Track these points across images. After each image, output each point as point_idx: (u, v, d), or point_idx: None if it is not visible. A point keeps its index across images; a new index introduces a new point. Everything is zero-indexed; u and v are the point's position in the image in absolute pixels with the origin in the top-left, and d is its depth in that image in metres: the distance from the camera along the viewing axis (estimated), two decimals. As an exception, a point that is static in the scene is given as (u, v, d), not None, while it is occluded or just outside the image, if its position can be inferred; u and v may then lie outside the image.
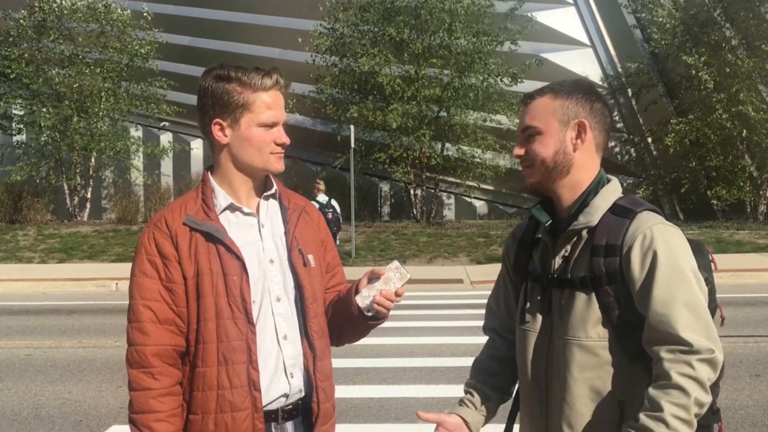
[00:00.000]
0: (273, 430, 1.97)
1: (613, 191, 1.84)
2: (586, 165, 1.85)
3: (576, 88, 1.87)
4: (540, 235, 1.90)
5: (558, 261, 1.85)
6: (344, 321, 2.08)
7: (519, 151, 1.89)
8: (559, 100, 1.84)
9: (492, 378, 2.05)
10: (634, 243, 1.73)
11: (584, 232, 1.81)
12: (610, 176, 1.89)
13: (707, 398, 1.64)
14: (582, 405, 1.78)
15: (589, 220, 1.79)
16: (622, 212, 1.79)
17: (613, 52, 22.22)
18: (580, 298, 1.79)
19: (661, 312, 1.68)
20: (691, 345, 1.64)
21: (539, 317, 1.89)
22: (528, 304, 1.91)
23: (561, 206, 1.88)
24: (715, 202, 19.89)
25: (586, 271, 1.78)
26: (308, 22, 20.97)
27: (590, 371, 1.77)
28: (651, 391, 1.66)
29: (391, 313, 2.02)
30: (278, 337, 1.97)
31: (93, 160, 21.76)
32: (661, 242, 1.72)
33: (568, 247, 1.84)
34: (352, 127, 16.50)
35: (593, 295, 1.77)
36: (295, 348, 1.99)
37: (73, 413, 5.76)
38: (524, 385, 1.94)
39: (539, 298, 1.89)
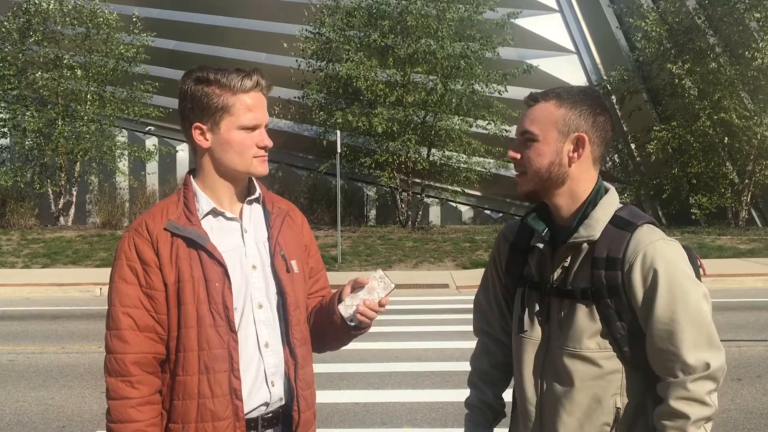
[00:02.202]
0: None
1: (611, 202, 1.83)
2: (582, 177, 1.83)
3: (582, 98, 1.83)
4: (538, 244, 1.87)
5: (558, 272, 1.84)
6: (327, 329, 2.05)
7: (514, 154, 1.85)
8: (562, 110, 1.80)
9: (496, 388, 2.09)
10: (635, 261, 1.74)
11: (584, 244, 1.80)
12: (608, 185, 1.88)
13: (708, 411, 1.70)
14: (581, 413, 1.80)
15: (591, 234, 1.78)
16: (622, 224, 1.78)
17: (597, 59, 22.40)
18: (581, 309, 1.79)
19: (663, 329, 1.72)
20: (687, 364, 1.70)
21: (537, 326, 1.88)
22: (526, 312, 1.90)
23: (558, 215, 1.87)
24: (695, 211, 20.06)
25: (587, 283, 1.78)
26: (294, 26, 20.97)
27: (590, 380, 1.79)
28: (655, 416, 1.75)
29: (378, 317, 2.01)
30: (260, 345, 1.94)
31: (78, 164, 21.62)
32: (661, 261, 1.73)
33: (568, 259, 1.83)
34: (338, 132, 16.51)
35: (594, 307, 1.78)
36: (277, 356, 1.96)
37: (56, 419, 5.71)
38: (520, 391, 1.93)
39: (537, 306, 1.88)
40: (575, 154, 1.81)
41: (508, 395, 2.08)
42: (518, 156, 1.85)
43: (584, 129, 1.80)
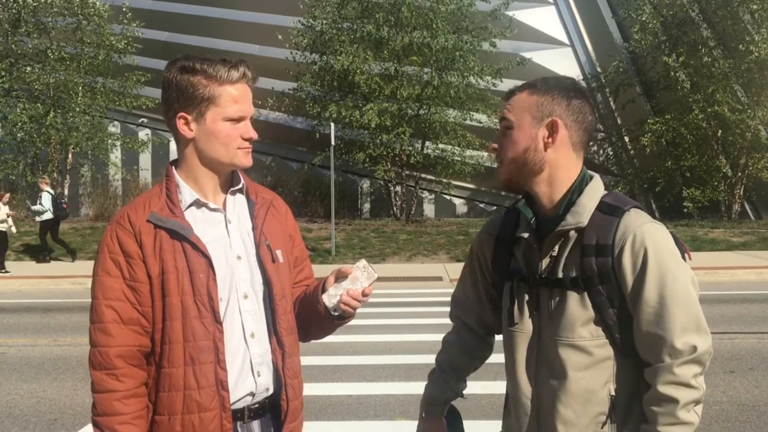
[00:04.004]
0: (239, 429, 1.94)
1: (597, 189, 1.83)
2: (561, 163, 1.82)
3: (555, 84, 1.83)
4: (525, 235, 1.87)
5: (546, 261, 1.84)
6: (311, 318, 2.05)
7: (494, 145, 1.87)
8: (535, 96, 1.81)
9: (461, 372, 2.13)
10: (625, 245, 1.74)
11: (572, 232, 1.80)
12: (591, 173, 1.88)
13: (696, 394, 1.70)
14: (577, 403, 1.79)
15: (579, 221, 1.78)
16: (609, 210, 1.78)
17: (591, 52, 22.40)
18: (572, 297, 1.78)
19: (651, 312, 1.71)
20: (674, 348, 1.69)
21: (528, 318, 1.87)
22: (515, 305, 1.89)
23: (541, 204, 1.86)
24: (689, 204, 20.12)
25: (577, 271, 1.78)
26: (288, 18, 20.89)
27: (584, 370, 1.78)
28: (644, 403, 1.74)
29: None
30: (245, 335, 1.93)
31: (70, 156, 21.52)
32: (650, 243, 1.73)
33: (556, 247, 1.83)
34: (332, 125, 16.47)
35: (585, 294, 1.77)
36: (263, 346, 1.96)
37: (48, 412, 5.70)
38: (514, 385, 1.93)
39: (527, 298, 1.87)
40: (550, 139, 1.81)
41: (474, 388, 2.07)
42: (496, 146, 1.87)
43: (558, 113, 1.80)
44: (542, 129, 1.81)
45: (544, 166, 1.82)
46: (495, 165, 1.90)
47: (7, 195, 15.36)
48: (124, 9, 20.93)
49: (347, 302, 1.93)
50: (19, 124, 19.89)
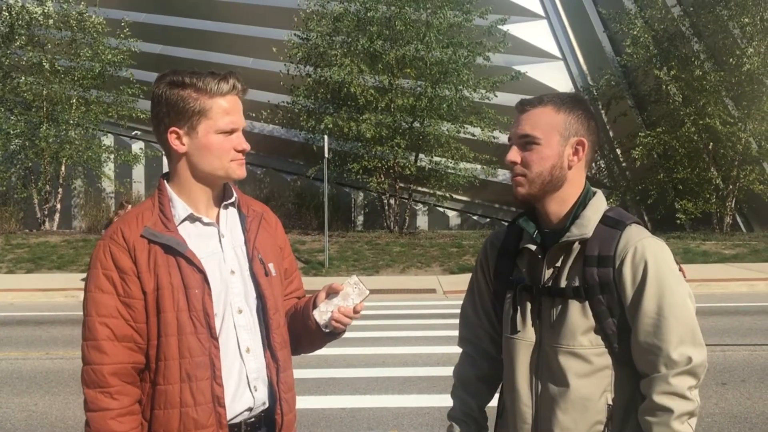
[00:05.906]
0: None
1: (600, 203, 1.89)
2: (576, 181, 1.88)
3: (576, 104, 1.87)
4: (529, 245, 1.91)
5: (549, 272, 1.88)
6: (301, 333, 2.05)
7: (515, 157, 1.86)
8: (562, 114, 1.84)
9: (480, 400, 2.09)
10: (626, 257, 1.79)
11: (576, 244, 1.84)
12: (594, 189, 1.93)
13: (690, 405, 1.74)
14: (575, 410, 1.82)
15: (584, 232, 1.83)
16: (612, 223, 1.84)
17: (583, 65, 22.54)
18: (574, 306, 1.82)
19: (649, 323, 1.76)
20: (670, 358, 1.73)
21: (530, 327, 1.90)
22: (518, 314, 1.92)
23: (547, 218, 1.90)
24: (681, 216, 20.19)
25: (580, 280, 1.82)
26: (282, 31, 20.95)
27: (583, 377, 1.82)
28: (639, 414, 1.78)
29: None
30: (240, 351, 1.93)
31: (63, 168, 21.48)
32: (651, 256, 1.78)
33: (560, 258, 1.87)
34: (326, 137, 16.49)
35: (587, 304, 1.82)
36: (258, 361, 1.95)
37: (40, 426, 5.66)
38: (512, 393, 1.94)
39: (529, 307, 1.91)
40: (575, 158, 1.86)
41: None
42: (518, 160, 1.87)
43: (582, 133, 1.86)
44: (568, 148, 1.86)
45: (564, 183, 1.87)
46: (511, 177, 1.89)
47: (129, 205, 15.19)
48: (122, 24, 20.98)
49: (338, 319, 1.93)
50: (12, 134, 19.83)
